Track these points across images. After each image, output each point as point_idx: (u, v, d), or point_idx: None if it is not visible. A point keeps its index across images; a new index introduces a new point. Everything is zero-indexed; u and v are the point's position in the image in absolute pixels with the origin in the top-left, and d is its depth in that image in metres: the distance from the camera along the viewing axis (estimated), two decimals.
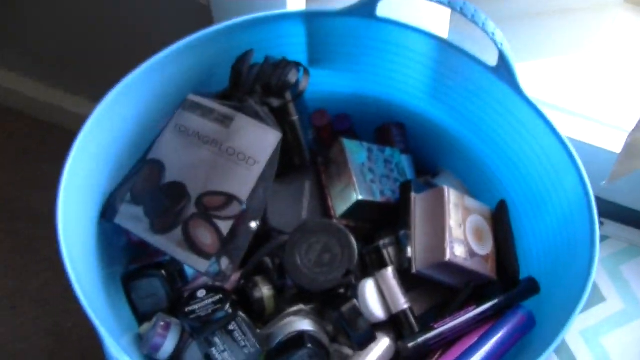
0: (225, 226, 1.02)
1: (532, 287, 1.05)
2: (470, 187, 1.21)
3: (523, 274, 1.08)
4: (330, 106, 1.20)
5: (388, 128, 1.22)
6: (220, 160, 1.04)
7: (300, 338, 0.99)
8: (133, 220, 1.04)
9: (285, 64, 1.08)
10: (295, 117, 1.10)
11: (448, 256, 1.02)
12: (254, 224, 1.03)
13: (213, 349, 0.97)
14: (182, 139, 1.06)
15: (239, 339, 0.98)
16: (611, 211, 1.26)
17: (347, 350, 1.03)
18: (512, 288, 1.05)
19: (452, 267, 1.03)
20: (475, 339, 1.01)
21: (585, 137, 1.24)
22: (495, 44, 0.98)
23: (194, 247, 1.02)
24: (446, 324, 1.01)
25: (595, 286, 1.20)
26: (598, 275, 1.20)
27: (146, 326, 1.05)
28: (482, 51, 1.05)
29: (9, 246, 1.80)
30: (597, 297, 1.20)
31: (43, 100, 1.89)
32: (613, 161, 1.05)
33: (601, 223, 1.16)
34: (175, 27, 1.19)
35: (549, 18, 1.26)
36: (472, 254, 1.05)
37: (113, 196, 1.06)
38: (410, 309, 1.04)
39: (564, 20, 1.27)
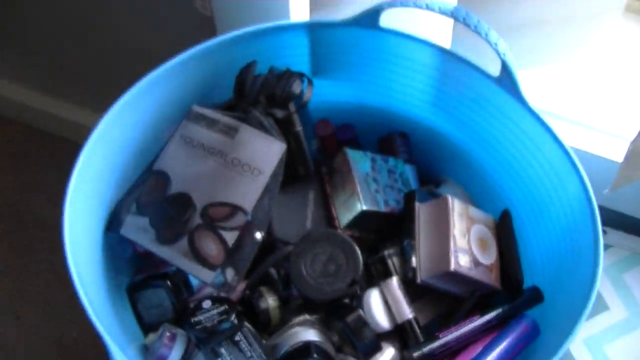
0: (230, 237, 1.02)
1: (536, 296, 1.05)
2: (474, 196, 1.21)
3: (527, 283, 1.08)
4: (334, 116, 1.20)
5: (391, 138, 1.22)
6: (225, 171, 1.04)
7: (306, 348, 0.99)
8: (139, 231, 1.04)
9: (289, 75, 1.08)
10: (299, 128, 1.10)
11: (452, 266, 1.02)
12: (259, 235, 1.03)
13: (219, 359, 0.97)
14: (187, 150, 1.06)
15: (245, 349, 0.98)
16: (614, 220, 1.26)
17: None
18: (516, 297, 1.05)
19: (457, 277, 1.03)
20: (480, 348, 1.01)
21: (586, 145, 1.24)
22: (498, 54, 0.99)
23: (199, 257, 1.02)
24: (451, 333, 1.02)
25: (598, 295, 1.20)
26: (601, 283, 1.20)
27: (152, 337, 1.05)
28: (484, 61, 1.05)
29: (16, 256, 1.81)
30: (601, 306, 1.20)
31: (45, 110, 1.89)
32: (615, 170, 1.05)
33: (604, 232, 1.16)
34: (179, 38, 1.19)
35: (549, 26, 1.26)
36: (476, 263, 1.05)
37: (118, 207, 1.06)
38: (415, 318, 1.04)
39: (565, 28, 1.27)
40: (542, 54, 1.32)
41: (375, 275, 1.08)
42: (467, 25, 0.97)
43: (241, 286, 1.06)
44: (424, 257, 1.06)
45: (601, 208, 0.99)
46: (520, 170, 1.10)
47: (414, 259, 1.06)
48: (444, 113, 1.16)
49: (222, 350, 0.97)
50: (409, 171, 1.21)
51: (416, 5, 0.98)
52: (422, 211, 1.10)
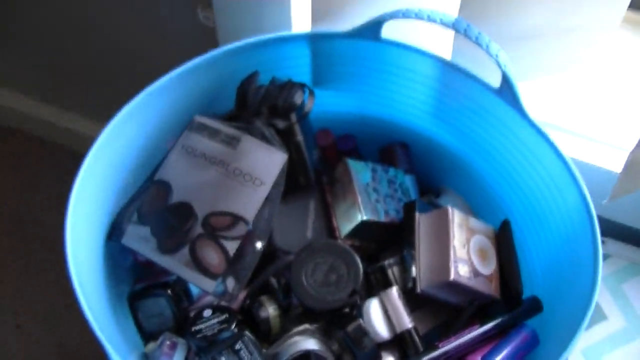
0: (231, 246, 1.02)
1: (535, 306, 1.05)
2: (473, 207, 1.21)
3: (526, 293, 1.09)
4: (335, 126, 1.21)
5: (392, 148, 1.23)
6: (227, 181, 1.05)
7: (306, 357, 0.99)
8: (140, 240, 1.04)
9: (290, 86, 1.09)
10: (300, 138, 1.10)
11: (452, 276, 1.02)
12: (260, 244, 1.03)
13: None
14: (189, 160, 1.07)
15: (246, 358, 0.98)
16: (613, 230, 1.26)
17: None
18: (515, 307, 1.05)
19: (457, 287, 1.04)
20: (479, 357, 1.01)
21: (585, 156, 1.25)
22: (499, 65, 0.99)
23: (200, 267, 1.02)
24: (450, 343, 1.02)
25: (597, 304, 1.20)
26: (600, 293, 1.20)
27: (152, 345, 1.05)
28: (485, 72, 1.06)
29: (17, 267, 1.81)
30: (599, 316, 1.20)
31: (46, 119, 1.90)
32: (614, 180, 1.05)
33: (603, 242, 1.17)
34: (182, 49, 1.20)
35: (548, 38, 1.27)
36: (476, 273, 1.05)
37: (120, 217, 1.06)
38: (415, 328, 1.04)
39: (563, 40, 1.28)
40: (541, 65, 1.33)
41: (375, 285, 1.08)
42: (468, 37, 0.98)
43: (242, 295, 1.07)
44: (423, 267, 1.06)
45: (600, 218, 0.99)
46: (520, 180, 1.11)
47: (413, 269, 1.06)
48: (444, 124, 1.16)
49: (223, 359, 0.97)
50: (409, 181, 1.21)
51: (418, 17, 0.99)
52: (422, 221, 1.10)
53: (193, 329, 1.00)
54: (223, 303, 1.04)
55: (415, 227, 1.10)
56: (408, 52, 1.09)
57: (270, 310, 1.05)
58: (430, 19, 0.99)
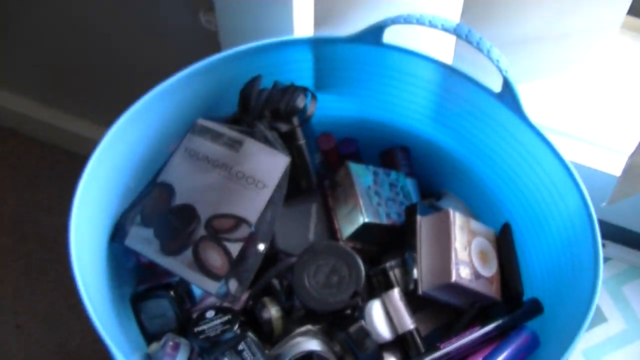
0: (234, 248, 1.03)
1: (535, 308, 1.05)
2: (474, 210, 1.22)
3: (527, 295, 1.09)
4: (337, 130, 1.21)
5: (393, 152, 1.23)
6: (230, 184, 1.05)
7: (308, 358, 1.00)
8: (143, 242, 1.05)
9: (293, 89, 1.09)
10: (302, 142, 1.11)
11: (454, 278, 1.03)
12: (262, 247, 1.03)
13: None
14: (192, 163, 1.07)
15: (248, 359, 0.98)
16: (613, 233, 1.26)
17: None
18: (516, 309, 1.06)
19: (458, 289, 1.04)
20: (480, 359, 1.02)
21: (585, 160, 1.25)
22: (500, 70, 0.99)
23: (203, 269, 1.02)
24: (452, 344, 1.02)
25: (597, 307, 1.20)
26: (600, 296, 1.20)
27: (155, 346, 1.05)
28: (486, 77, 1.06)
29: (17, 267, 1.81)
30: (600, 318, 1.20)
31: (46, 122, 1.90)
32: (613, 184, 1.06)
33: (603, 245, 1.17)
34: (184, 53, 1.20)
35: (548, 42, 1.28)
36: (477, 275, 1.06)
37: (123, 218, 1.07)
38: (417, 329, 1.04)
39: (563, 44, 1.29)
40: (541, 69, 1.34)
41: (377, 287, 1.08)
42: (469, 42, 0.98)
43: (244, 297, 1.07)
44: (425, 269, 1.07)
45: (601, 222, 1.00)
46: (521, 184, 1.11)
47: (415, 271, 1.07)
48: (445, 128, 1.17)
49: None
50: (410, 184, 1.22)
51: (419, 23, 0.99)
52: (424, 224, 1.10)
53: (196, 330, 1.00)
54: (226, 304, 1.04)
55: (417, 230, 1.10)
56: (409, 56, 1.09)
57: (272, 312, 1.05)
58: (431, 25, 0.99)
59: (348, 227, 1.11)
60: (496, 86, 1.05)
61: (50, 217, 1.86)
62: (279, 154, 1.06)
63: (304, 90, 1.11)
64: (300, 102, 1.10)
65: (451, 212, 1.09)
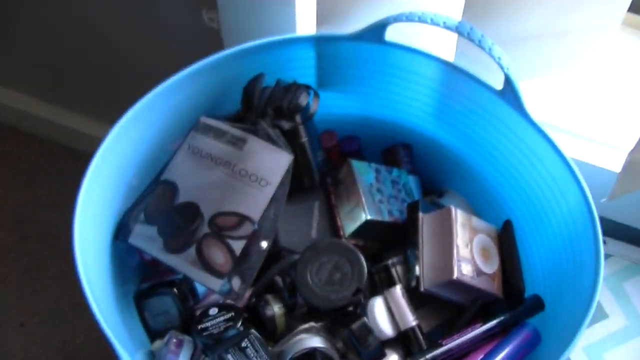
0: (237, 246, 1.03)
1: (537, 305, 1.06)
2: (476, 207, 1.22)
3: (528, 292, 1.09)
4: (339, 128, 1.22)
5: (395, 149, 1.23)
6: (233, 182, 1.05)
7: (311, 355, 1.00)
8: (147, 240, 1.05)
9: (296, 87, 1.10)
10: (304, 139, 1.11)
11: (455, 274, 1.03)
12: (265, 244, 1.04)
13: None
14: (195, 161, 1.08)
15: (252, 355, 0.99)
16: (614, 230, 1.27)
17: None
18: (517, 305, 1.06)
19: (460, 285, 1.05)
20: (482, 355, 1.02)
21: (586, 157, 1.25)
22: (502, 68, 1.00)
23: (207, 266, 1.03)
24: (453, 340, 1.03)
25: (598, 303, 1.21)
26: (601, 292, 1.18)
27: (158, 343, 1.06)
28: (488, 74, 1.06)
29: (20, 265, 1.81)
30: (601, 314, 1.21)
31: (54, 121, 1.90)
32: (614, 180, 1.06)
33: (604, 242, 1.18)
34: (186, 51, 1.20)
35: (549, 39, 1.28)
36: (478, 272, 1.06)
37: (127, 216, 1.07)
38: (419, 326, 1.05)
39: (564, 41, 1.29)
40: (541, 66, 1.34)
41: (379, 284, 1.09)
42: (471, 40, 0.99)
43: (247, 294, 1.07)
44: (427, 266, 1.07)
45: (602, 218, 1.00)
46: (522, 181, 1.12)
47: (417, 268, 1.07)
48: (447, 125, 1.17)
49: (229, 357, 0.98)
50: (412, 182, 1.22)
51: (421, 20, 1.00)
52: (426, 221, 1.11)
53: (199, 327, 1.00)
54: (229, 302, 1.04)
55: (419, 227, 1.10)
56: (411, 54, 1.09)
57: (275, 309, 1.06)
58: (433, 22, 1.00)
59: (350, 224, 1.12)
60: (498, 83, 1.05)
61: (50, 214, 1.86)
62: (281, 151, 1.06)
63: (307, 88, 1.11)
64: (303, 100, 1.10)
65: (453, 209, 1.09)
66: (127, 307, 1.07)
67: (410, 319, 1.04)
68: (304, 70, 1.15)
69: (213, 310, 1.02)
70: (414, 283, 1.07)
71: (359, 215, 1.11)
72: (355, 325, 1.01)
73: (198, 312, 1.04)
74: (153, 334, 1.08)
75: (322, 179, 1.16)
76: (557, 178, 1.05)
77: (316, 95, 1.13)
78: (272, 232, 1.05)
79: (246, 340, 0.99)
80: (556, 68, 1.35)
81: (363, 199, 1.11)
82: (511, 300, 1.08)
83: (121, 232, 1.06)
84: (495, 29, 1.22)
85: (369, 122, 1.23)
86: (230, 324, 1.00)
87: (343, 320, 1.03)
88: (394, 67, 1.13)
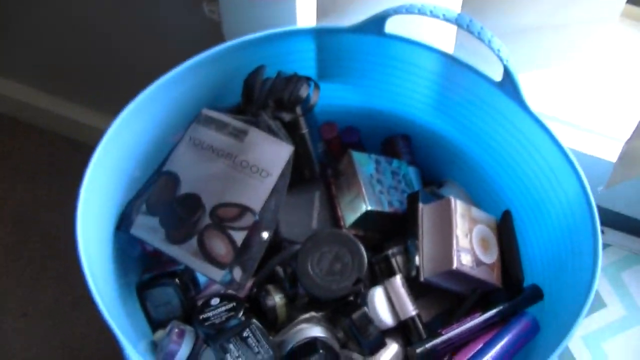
0: (239, 237, 1.04)
1: (536, 294, 1.06)
2: (475, 198, 1.23)
3: (527, 282, 1.10)
4: (340, 119, 1.22)
5: (395, 140, 1.24)
6: (234, 173, 1.06)
7: (312, 344, 1.00)
8: (149, 230, 1.06)
9: (296, 79, 1.10)
10: (305, 131, 1.12)
11: (455, 264, 1.04)
12: (266, 235, 1.04)
13: (228, 355, 0.98)
14: (197, 152, 1.08)
15: (253, 345, 0.99)
16: (612, 220, 1.27)
17: (358, 356, 1.05)
18: (516, 295, 1.07)
19: (459, 275, 1.05)
20: (481, 344, 1.03)
21: (584, 147, 1.25)
22: (501, 60, 1.00)
23: (209, 257, 1.03)
24: (453, 330, 1.03)
25: (597, 293, 1.20)
26: (599, 282, 1.19)
27: (160, 333, 1.06)
28: (487, 66, 1.07)
29: (22, 261, 1.81)
30: (599, 304, 1.21)
31: (56, 113, 1.90)
32: (611, 170, 1.07)
33: (602, 232, 1.18)
34: (187, 43, 1.21)
35: (548, 31, 1.28)
36: (478, 262, 1.07)
37: (128, 207, 1.08)
38: (418, 315, 1.05)
39: (563, 33, 1.29)
40: (541, 59, 1.34)
41: (380, 274, 1.09)
42: (470, 32, 0.99)
43: (249, 284, 1.08)
44: (427, 256, 1.07)
45: (600, 208, 1.00)
46: (521, 172, 1.12)
47: (417, 258, 1.08)
48: (446, 116, 1.18)
49: (231, 347, 0.98)
50: (412, 173, 1.22)
51: (421, 13, 1.00)
52: (426, 212, 1.11)
53: (201, 317, 1.01)
54: (230, 292, 1.05)
55: (419, 218, 1.11)
56: (411, 46, 1.10)
57: (276, 299, 1.06)
58: (433, 14, 1.00)
59: (351, 215, 1.12)
60: (497, 75, 1.05)
61: (50, 204, 1.86)
62: (282, 143, 1.07)
63: (307, 80, 1.12)
64: (304, 91, 1.10)
65: (452, 200, 1.10)
66: (130, 298, 1.08)
67: (410, 309, 1.05)
68: (304, 62, 1.15)
69: (215, 301, 1.02)
70: (414, 273, 1.07)
71: (359, 205, 1.11)
72: (355, 315, 1.02)
73: (200, 303, 1.05)
74: (155, 324, 1.09)
75: (322, 170, 1.16)
76: (555, 168, 1.05)
77: (316, 87, 1.13)
78: (273, 222, 1.05)
79: (248, 330, 0.99)
80: (555, 60, 1.35)
81: (363, 190, 1.12)
82: (510, 290, 1.09)
83: (123, 223, 1.07)
84: (495, 21, 1.22)
85: (369, 114, 1.23)
86: (232, 314, 1.00)
87: (344, 310, 1.03)
88: (394, 59, 1.13)
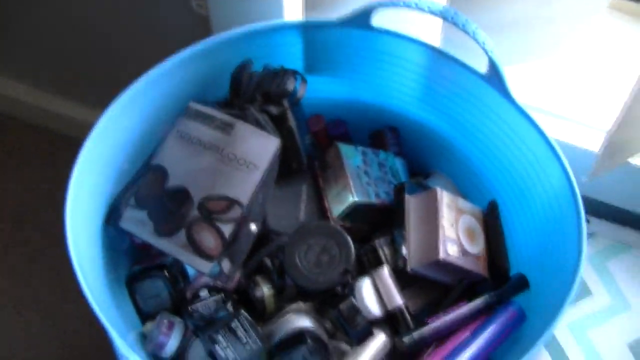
0: (227, 229, 1.04)
1: (522, 284, 1.07)
2: (461, 189, 1.23)
3: (513, 271, 1.11)
4: (327, 112, 1.23)
5: (382, 132, 1.24)
6: (222, 166, 1.06)
7: (300, 335, 1.01)
8: (137, 224, 1.06)
9: (283, 73, 1.10)
10: (292, 123, 1.12)
11: (441, 255, 1.04)
12: (254, 227, 1.05)
13: (216, 346, 0.99)
14: (185, 146, 1.08)
15: (242, 336, 1.00)
16: (598, 209, 1.28)
17: (345, 346, 1.05)
18: (502, 285, 1.07)
19: (446, 266, 1.06)
20: (468, 333, 1.03)
21: (569, 138, 1.26)
22: (486, 52, 1.01)
23: (197, 249, 1.04)
24: (440, 319, 1.04)
25: (582, 282, 1.21)
26: (585, 271, 1.21)
27: (150, 325, 1.07)
28: (473, 59, 1.07)
29: (15, 254, 1.81)
30: (585, 292, 1.21)
31: (41, 106, 1.91)
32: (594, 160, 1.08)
33: (587, 221, 1.18)
34: (175, 37, 1.21)
35: (534, 25, 1.29)
36: (464, 252, 1.07)
37: (117, 201, 1.08)
38: (406, 305, 1.06)
39: (550, 26, 1.30)
40: (529, 52, 1.34)
41: (367, 265, 1.09)
42: (455, 24, 1.00)
43: (237, 276, 1.08)
44: (414, 246, 1.08)
45: (585, 198, 1.01)
46: (506, 162, 1.13)
47: (404, 249, 1.08)
48: (433, 108, 1.18)
49: (219, 337, 0.99)
50: (399, 164, 1.23)
51: (405, 5, 1.00)
52: (412, 203, 1.12)
53: (190, 308, 1.01)
54: (219, 284, 1.05)
55: (406, 209, 1.11)
56: (397, 39, 1.10)
57: (265, 290, 1.07)
58: (417, 7, 1.01)
59: (338, 206, 1.13)
60: (482, 67, 1.06)
61: (46, 200, 1.86)
62: (269, 136, 1.07)
63: (294, 73, 1.12)
64: (290, 85, 1.11)
65: (438, 190, 1.10)
66: (119, 291, 1.08)
67: (397, 299, 1.06)
68: (291, 55, 1.15)
69: (203, 292, 1.03)
70: (400, 264, 1.08)
71: (346, 197, 1.12)
72: (343, 306, 1.02)
73: (189, 295, 1.05)
74: (144, 316, 1.09)
75: (309, 162, 1.17)
76: (540, 159, 1.06)
77: (303, 80, 1.13)
78: (260, 215, 1.06)
79: (236, 321, 1.00)
80: (543, 53, 1.36)
81: (350, 182, 1.12)
82: (496, 280, 1.09)
83: (112, 216, 1.07)
84: (482, 14, 1.22)
85: (357, 106, 1.23)
86: (221, 305, 1.01)
87: (331, 301, 1.04)
88: (380, 52, 1.13)
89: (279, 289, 1.08)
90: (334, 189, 1.14)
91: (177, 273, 1.10)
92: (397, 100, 1.21)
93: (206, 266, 1.03)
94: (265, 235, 1.10)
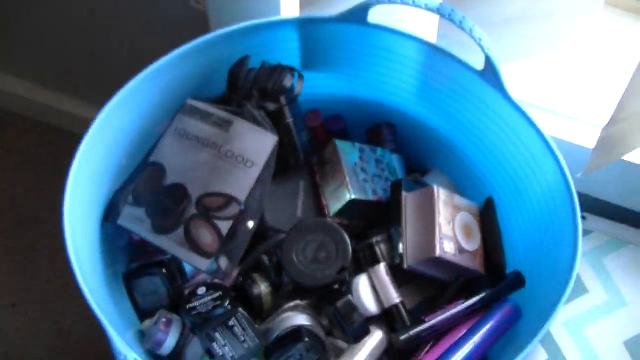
0: (224, 226, 1.04)
1: (518, 281, 1.07)
2: (458, 185, 1.23)
3: (509, 268, 1.11)
4: (324, 108, 1.22)
5: (379, 129, 1.24)
6: (220, 163, 1.06)
7: (297, 332, 1.01)
8: (135, 221, 1.06)
9: (280, 69, 1.10)
10: (290, 120, 1.12)
11: (438, 252, 1.05)
12: (252, 224, 1.05)
13: (214, 344, 0.99)
14: (182, 143, 1.08)
15: (239, 334, 1.00)
16: (594, 206, 1.28)
17: (342, 344, 1.06)
18: (499, 282, 1.07)
19: (442, 263, 1.06)
20: (465, 331, 1.04)
21: (566, 135, 1.26)
22: (483, 49, 1.01)
23: (195, 246, 1.04)
24: (437, 317, 1.04)
25: (579, 279, 1.21)
26: (582, 268, 1.22)
27: (148, 323, 1.07)
28: (469, 55, 1.07)
29: (12, 248, 1.82)
30: (581, 289, 1.21)
31: (41, 102, 1.91)
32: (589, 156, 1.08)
33: (584, 218, 1.19)
34: (173, 33, 1.21)
35: (531, 21, 1.28)
36: (461, 250, 1.08)
37: (115, 198, 1.08)
38: (402, 303, 1.06)
39: (546, 23, 1.29)
40: (526, 49, 1.34)
41: (364, 262, 1.10)
42: (452, 21, 0.99)
43: (235, 273, 1.08)
44: (410, 244, 1.08)
45: (581, 195, 1.01)
46: (503, 159, 1.13)
47: (401, 246, 1.08)
48: (430, 105, 1.18)
49: (217, 335, 0.99)
50: (396, 161, 1.23)
51: (403, 2, 1.01)
52: (409, 200, 1.12)
53: (188, 306, 1.01)
54: (217, 281, 1.06)
55: (402, 206, 1.11)
56: (394, 36, 1.10)
57: (262, 288, 1.07)
58: (415, 4, 1.00)
59: (335, 203, 1.13)
60: (479, 64, 1.06)
61: (45, 197, 1.87)
62: (267, 133, 1.07)
63: (291, 69, 1.12)
64: (288, 81, 1.10)
65: (435, 188, 1.10)
66: (117, 288, 1.08)
67: (394, 296, 1.06)
68: (289, 52, 1.15)
69: (201, 290, 1.03)
70: (397, 261, 1.08)
71: (343, 194, 1.12)
72: (340, 303, 1.02)
73: (186, 292, 1.05)
74: (142, 314, 1.09)
75: (307, 158, 1.17)
76: (536, 155, 1.06)
77: (300, 77, 1.13)
78: (258, 212, 1.06)
79: (234, 318, 1.00)
80: (540, 50, 1.36)
81: (347, 179, 1.12)
82: (493, 277, 1.10)
83: (110, 213, 1.07)
84: (479, 11, 1.22)
85: (354, 102, 1.23)
86: (218, 303, 1.01)
87: (328, 298, 1.04)
88: (377, 48, 1.13)
89: (276, 286, 1.08)
90: (331, 186, 1.14)
91: (175, 270, 1.10)
92: (394, 97, 1.21)
93: (204, 263, 1.04)
94: (262, 232, 1.10)
